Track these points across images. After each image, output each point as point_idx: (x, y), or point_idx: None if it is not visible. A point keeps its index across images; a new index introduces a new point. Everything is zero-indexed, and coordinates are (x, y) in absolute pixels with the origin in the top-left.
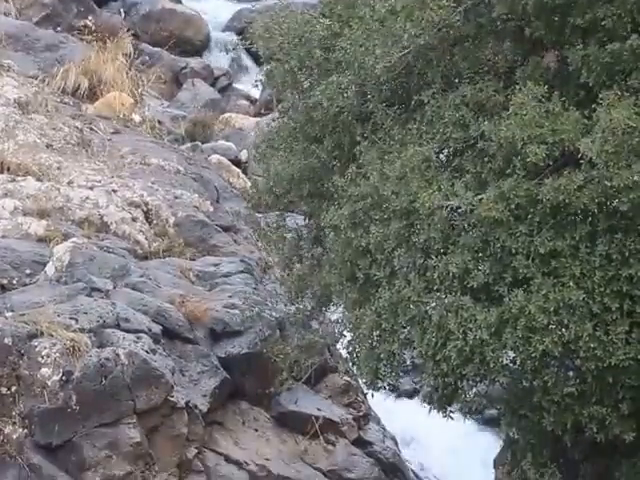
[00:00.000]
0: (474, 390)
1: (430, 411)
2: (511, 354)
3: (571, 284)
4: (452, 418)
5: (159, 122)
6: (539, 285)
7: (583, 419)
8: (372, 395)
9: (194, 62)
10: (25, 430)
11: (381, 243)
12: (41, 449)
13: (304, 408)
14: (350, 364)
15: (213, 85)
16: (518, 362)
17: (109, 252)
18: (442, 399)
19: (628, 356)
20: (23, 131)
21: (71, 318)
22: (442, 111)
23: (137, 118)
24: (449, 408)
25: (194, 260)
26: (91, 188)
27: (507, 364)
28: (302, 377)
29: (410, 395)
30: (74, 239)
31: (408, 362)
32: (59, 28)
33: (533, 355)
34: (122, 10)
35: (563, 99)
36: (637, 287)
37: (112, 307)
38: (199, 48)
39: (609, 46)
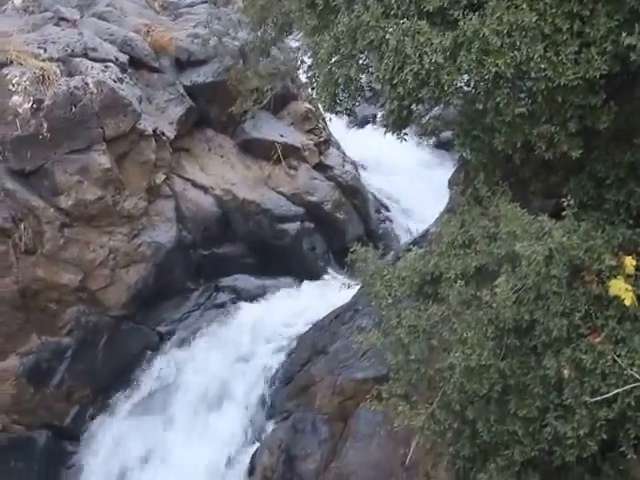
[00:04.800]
0: (429, 113)
1: (385, 134)
2: (465, 77)
3: (524, 6)
4: (406, 140)
5: None
6: (493, 8)
7: (533, 138)
8: (330, 119)
9: None
10: None
11: None
12: (15, 175)
13: (267, 135)
14: (310, 90)
15: None
16: (472, 84)
17: None
18: (398, 122)
19: (577, 76)
20: None
21: (40, 47)
22: None
23: None
24: (404, 131)
25: None
26: None
27: (461, 86)
28: (264, 104)
29: (369, 122)
30: None
31: (365, 89)
32: None
33: (486, 77)
34: None
35: None
36: (587, 7)
37: (80, 36)
38: None
39: None
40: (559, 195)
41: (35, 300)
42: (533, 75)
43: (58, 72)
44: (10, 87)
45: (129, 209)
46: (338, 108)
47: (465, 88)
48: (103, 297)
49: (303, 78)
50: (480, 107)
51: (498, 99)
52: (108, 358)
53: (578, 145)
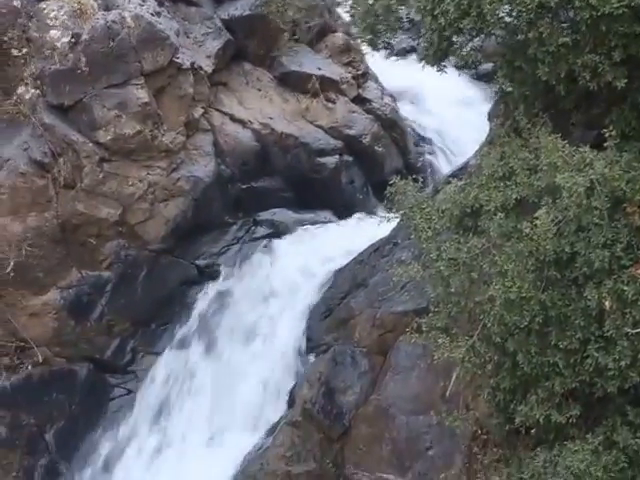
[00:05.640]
0: (470, 44)
1: (424, 67)
2: (507, 7)
3: None
4: (446, 72)
5: None
6: None
7: (577, 68)
8: (372, 55)
9: None
10: (37, 91)
11: None
12: (54, 109)
13: (305, 68)
14: (350, 24)
15: None
16: (514, 14)
17: None
18: (438, 54)
19: (621, 4)
20: None
21: None
22: None
23: None
24: (444, 63)
25: None
26: None
27: (503, 17)
28: (303, 38)
29: (407, 53)
30: None
31: (405, 20)
32: None
33: (529, 7)
34: None
35: None
36: None
37: None
38: None
39: None
40: (601, 126)
41: (75, 234)
42: (577, 4)
43: (95, 6)
44: (48, 21)
45: (167, 143)
46: (377, 41)
47: (507, 19)
48: (142, 231)
49: (341, 10)
50: (522, 38)
51: (541, 29)
52: (148, 291)
53: (623, 74)
